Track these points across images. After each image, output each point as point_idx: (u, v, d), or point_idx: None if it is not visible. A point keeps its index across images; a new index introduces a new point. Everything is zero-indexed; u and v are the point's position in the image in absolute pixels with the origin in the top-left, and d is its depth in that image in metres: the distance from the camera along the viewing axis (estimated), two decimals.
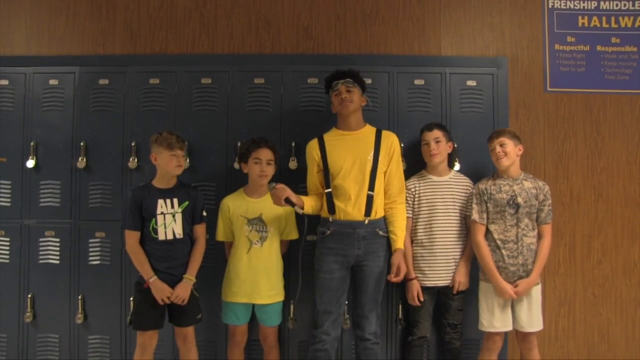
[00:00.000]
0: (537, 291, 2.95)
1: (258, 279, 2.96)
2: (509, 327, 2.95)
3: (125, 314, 3.22)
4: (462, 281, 2.99)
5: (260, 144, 3.00)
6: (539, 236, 2.94)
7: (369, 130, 2.96)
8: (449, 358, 3.11)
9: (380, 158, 2.88)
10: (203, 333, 3.18)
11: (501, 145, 2.93)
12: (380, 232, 2.89)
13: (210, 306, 3.11)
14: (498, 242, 2.91)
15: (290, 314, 3.19)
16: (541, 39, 3.48)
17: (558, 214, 3.31)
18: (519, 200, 2.90)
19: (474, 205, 2.98)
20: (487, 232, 2.96)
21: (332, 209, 2.88)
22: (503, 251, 2.89)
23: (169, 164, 2.89)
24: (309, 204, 2.88)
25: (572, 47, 3.48)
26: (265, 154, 2.98)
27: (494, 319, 2.92)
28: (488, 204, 2.95)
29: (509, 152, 2.92)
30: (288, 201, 2.75)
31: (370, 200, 2.85)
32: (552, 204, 2.97)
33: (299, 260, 2.88)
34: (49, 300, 3.27)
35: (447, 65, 3.34)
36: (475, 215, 2.96)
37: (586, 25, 3.49)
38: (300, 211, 2.81)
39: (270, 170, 3.00)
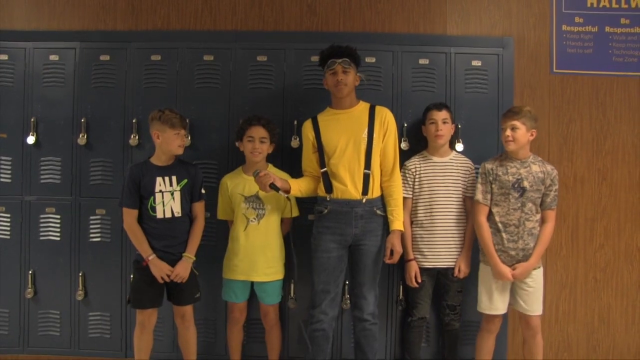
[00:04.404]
0: (538, 275, 2.91)
1: (255, 256, 2.95)
2: (504, 310, 2.93)
3: (125, 291, 3.22)
4: (464, 270, 2.98)
5: (253, 121, 2.97)
6: (542, 221, 2.89)
7: (363, 107, 2.90)
8: (448, 339, 3.12)
9: (375, 135, 2.83)
10: (202, 311, 3.19)
11: (512, 129, 2.83)
12: (378, 212, 2.85)
13: (209, 285, 3.12)
14: (499, 225, 2.86)
15: (291, 294, 3.19)
16: (548, 19, 3.41)
17: (561, 197, 3.25)
18: (525, 184, 2.83)
19: (479, 185, 2.92)
20: (490, 214, 2.90)
21: (329, 187, 2.85)
22: (503, 234, 2.85)
23: (172, 143, 2.86)
24: (297, 187, 2.86)
25: (579, 28, 3.42)
26: (258, 132, 2.95)
27: (493, 302, 2.90)
28: (493, 185, 2.88)
29: (518, 137, 2.82)
30: (273, 186, 2.75)
31: (367, 179, 2.82)
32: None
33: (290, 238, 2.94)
34: (49, 277, 3.28)
35: (452, 44, 3.28)
36: (479, 195, 2.90)
37: (595, 5, 3.42)
38: (284, 195, 2.81)
39: (264, 148, 2.97)
